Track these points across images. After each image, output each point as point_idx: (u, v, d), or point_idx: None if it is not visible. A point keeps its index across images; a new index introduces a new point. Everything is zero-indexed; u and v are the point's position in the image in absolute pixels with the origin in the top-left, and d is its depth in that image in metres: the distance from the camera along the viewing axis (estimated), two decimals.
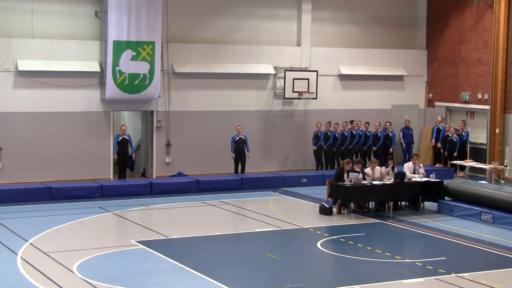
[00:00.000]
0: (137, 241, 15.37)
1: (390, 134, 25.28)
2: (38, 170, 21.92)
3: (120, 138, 22.11)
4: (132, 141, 22.87)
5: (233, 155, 23.18)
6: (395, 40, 27.26)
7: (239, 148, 23.17)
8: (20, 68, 21.59)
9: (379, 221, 18.06)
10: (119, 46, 22.09)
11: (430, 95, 27.47)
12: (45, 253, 14.30)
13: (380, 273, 13.41)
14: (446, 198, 19.42)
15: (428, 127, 26.75)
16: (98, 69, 22.47)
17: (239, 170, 23.30)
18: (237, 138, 23.18)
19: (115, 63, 22.09)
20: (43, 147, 22.09)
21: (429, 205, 19.60)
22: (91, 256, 14.13)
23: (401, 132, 26.07)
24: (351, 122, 25.22)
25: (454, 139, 24.47)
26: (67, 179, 21.94)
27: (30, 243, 15.09)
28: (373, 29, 26.91)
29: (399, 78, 27.14)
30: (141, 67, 22.47)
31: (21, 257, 13.97)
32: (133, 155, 22.53)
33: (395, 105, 27.03)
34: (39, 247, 14.74)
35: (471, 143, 25.54)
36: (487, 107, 25.01)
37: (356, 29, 26.66)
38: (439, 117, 25.86)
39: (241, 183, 22.49)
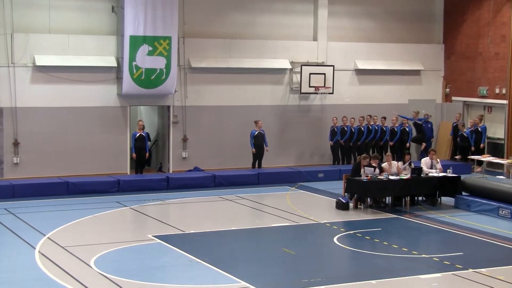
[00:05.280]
0: (154, 236, 15.41)
1: (407, 129, 25.18)
2: (56, 165, 22.03)
3: (138, 135, 22.14)
4: (148, 137, 22.87)
5: (253, 150, 23.17)
6: (412, 34, 27.14)
7: (258, 143, 23.18)
8: (37, 63, 21.69)
9: (396, 216, 18.01)
10: (136, 41, 22.14)
11: (447, 89, 27.34)
12: (62, 247, 14.38)
13: (397, 268, 13.38)
14: (464, 193, 19.33)
15: (445, 122, 26.62)
16: (115, 64, 22.54)
17: (256, 165, 23.30)
18: (256, 132, 23.19)
19: (132, 58, 22.14)
20: (61, 141, 22.19)
21: (446, 200, 19.51)
22: (108, 251, 14.19)
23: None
24: (370, 117, 25.11)
25: (465, 134, 24.35)
26: (84, 173, 22.04)
27: (48, 237, 15.17)
28: (390, 23, 26.80)
29: (416, 72, 27.02)
30: (158, 62, 22.51)
31: (39, 251, 14.06)
32: (147, 154, 22.47)
33: (412, 100, 26.92)
34: (57, 241, 14.82)
35: (488, 138, 25.39)
36: (504, 101, 24.86)
37: (372, 23, 26.56)
38: (458, 114, 25.76)
39: (257, 178, 22.49)
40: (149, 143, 23.04)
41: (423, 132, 25.16)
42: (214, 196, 20.43)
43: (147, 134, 22.86)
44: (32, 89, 21.86)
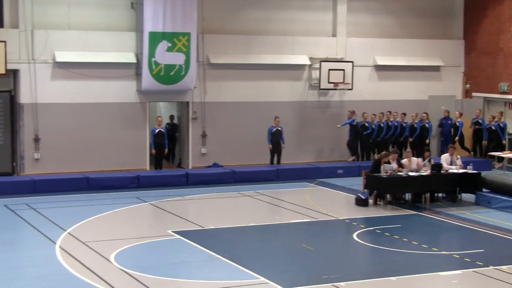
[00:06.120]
0: (174, 231, 15.45)
1: (427, 125, 25.07)
2: (76, 160, 22.14)
3: (157, 131, 22.19)
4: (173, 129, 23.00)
5: (270, 146, 23.17)
6: (432, 30, 27.00)
7: (276, 140, 23.17)
8: (57, 60, 21.80)
9: (416, 212, 17.94)
10: (155, 37, 22.19)
11: (468, 85, 27.19)
12: (83, 243, 14.45)
13: (417, 265, 13.32)
14: (484, 190, 19.21)
15: (465, 118, 26.46)
16: (134, 60, 22.60)
17: (275, 161, 23.30)
18: (274, 129, 23.18)
19: (151, 54, 22.20)
20: (81, 137, 22.30)
21: (466, 197, 19.40)
22: (128, 246, 14.25)
23: (439, 123, 25.83)
24: (390, 113, 25.02)
25: (493, 127, 24.30)
26: (104, 169, 22.13)
27: (68, 233, 15.26)
28: (410, 19, 26.67)
29: (436, 68, 26.88)
30: (177, 58, 22.55)
31: (59, 246, 14.13)
32: (166, 150, 22.53)
33: (432, 96, 26.79)
34: (77, 237, 14.90)
35: (509, 134, 25.25)
36: None
37: (392, 19, 26.45)
38: (478, 110, 25.63)
39: (276, 174, 22.48)
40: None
41: (360, 133, 24.51)
42: (233, 192, 20.45)
43: (165, 129, 22.85)
44: (52, 85, 21.97)
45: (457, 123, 25.22)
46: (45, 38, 21.74)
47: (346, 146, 24.42)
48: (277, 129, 23.21)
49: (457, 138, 25.06)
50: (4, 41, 20.92)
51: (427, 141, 24.87)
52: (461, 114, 25.45)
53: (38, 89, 21.77)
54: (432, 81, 26.87)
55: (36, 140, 21.85)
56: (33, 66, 21.69)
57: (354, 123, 24.14)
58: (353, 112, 24.14)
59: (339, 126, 24.46)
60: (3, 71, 20.89)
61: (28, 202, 18.56)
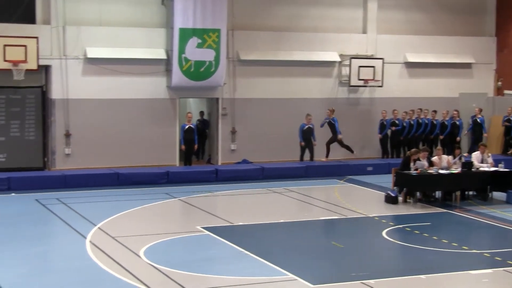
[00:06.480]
0: (203, 227, 15.50)
1: (457, 123, 24.88)
2: (106, 156, 22.29)
3: (187, 127, 22.28)
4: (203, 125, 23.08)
5: (302, 143, 23.15)
6: (463, 27, 26.76)
7: (307, 137, 23.15)
8: (88, 56, 21.96)
9: (446, 211, 17.81)
10: (185, 34, 22.26)
11: (499, 83, 26.93)
12: (112, 237, 14.55)
13: (447, 263, 13.22)
14: None
15: (497, 116, 26.22)
16: (164, 56, 22.69)
17: (309, 158, 23.26)
18: (306, 127, 23.16)
19: (181, 50, 22.27)
20: (111, 133, 22.45)
21: (498, 195, 19.22)
22: (157, 241, 14.31)
23: (471, 120, 25.60)
24: (421, 110, 24.87)
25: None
26: (134, 165, 22.27)
27: (99, 227, 15.37)
28: (441, 15, 26.48)
29: (467, 66, 26.64)
30: (207, 55, 22.60)
31: (90, 241, 14.25)
32: (195, 146, 22.63)
33: (463, 93, 26.57)
34: (107, 231, 15.01)
35: None
36: None
37: (423, 16, 26.27)
38: (510, 107, 25.36)
39: (305, 171, 22.46)
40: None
41: (336, 133, 23.80)
42: (262, 189, 20.46)
43: (195, 125, 22.94)
44: (84, 81, 22.14)
45: (478, 120, 25.02)
46: (76, 34, 21.91)
47: (325, 145, 23.53)
48: (309, 127, 23.18)
49: (485, 134, 24.93)
50: (36, 37, 21.11)
51: (458, 138, 24.67)
52: (481, 110, 25.19)
53: (69, 84, 21.95)
54: (463, 79, 26.64)
55: (67, 135, 22.04)
56: (65, 62, 21.88)
57: (332, 122, 23.32)
58: (332, 111, 23.44)
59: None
60: (35, 67, 21.09)
61: (59, 197, 18.74)
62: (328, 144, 23.59)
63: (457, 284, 12.23)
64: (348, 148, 23.67)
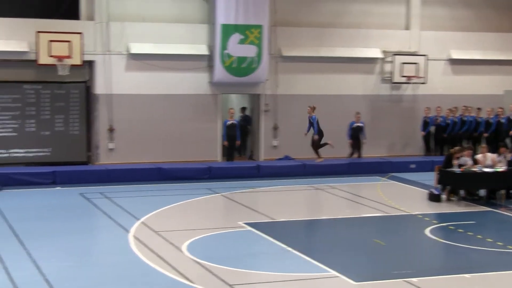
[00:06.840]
0: (245, 223, 15.52)
1: (502, 121, 24.52)
2: (149, 151, 22.46)
3: (229, 122, 22.36)
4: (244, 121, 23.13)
5: (350, 141, 23.07)
6: (509, 23, 26.38)
7: (356, 135, 23.09)
8: (132, 51, 22.12)
9: (490, 209, 17.58)
10: (227, 30, 22.30)
11: None
12: (155, 232, 14.64)
13: (491, 262, 13.04)
14: None
15: None
16: (206, 52, 22.76)
17: (355, 155, 23.19)
18: (354, 124, 23.11)
19: (224, 46, 22.32)
20: (154, 128, 22.60)
21: None
22: (199, 237, 14.35)
23: None
24: (465, 108, 24.57)
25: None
26: (176, 160, 22.39)
27: (141, 222, 15.48)
28: (486, 11, 26.13)
29: None
30: (249, 51, 22.62)
31: (133, 235, 14.35)
32: (238, 142, 22.69)
33: (508, 91, 26.19)
34: (150, 226, 15.11)
35: None
36: None
37: (468, 12, 25.96)
38: None
39: (348, 168, 22.36)
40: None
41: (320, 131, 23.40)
42: (304, 185, 20.43)
43: (238, 121, 22.99)
44: (127, 77, 22.32)
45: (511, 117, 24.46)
46: (120, 30, 22.09)
47: (311, 147, 22.59)
48: (358, 125, 23.09)
49: None
50: (81, 33, 21.35)
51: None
52: None
53: (113, 80, 22.15)
54: (508, 76, 26.26)
55: (111, 130, 22.24)
56: (108, 58, 22.08)
57: (311, 120, 22.40)
58: (313, 108, 22.30)
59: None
60: (79, 62, 21.33)
61: (103, 191, 18.93)
62: (314, 146, 22.59)
63: (502, 284, 12.04)
64: (317, 152, 22.49)
